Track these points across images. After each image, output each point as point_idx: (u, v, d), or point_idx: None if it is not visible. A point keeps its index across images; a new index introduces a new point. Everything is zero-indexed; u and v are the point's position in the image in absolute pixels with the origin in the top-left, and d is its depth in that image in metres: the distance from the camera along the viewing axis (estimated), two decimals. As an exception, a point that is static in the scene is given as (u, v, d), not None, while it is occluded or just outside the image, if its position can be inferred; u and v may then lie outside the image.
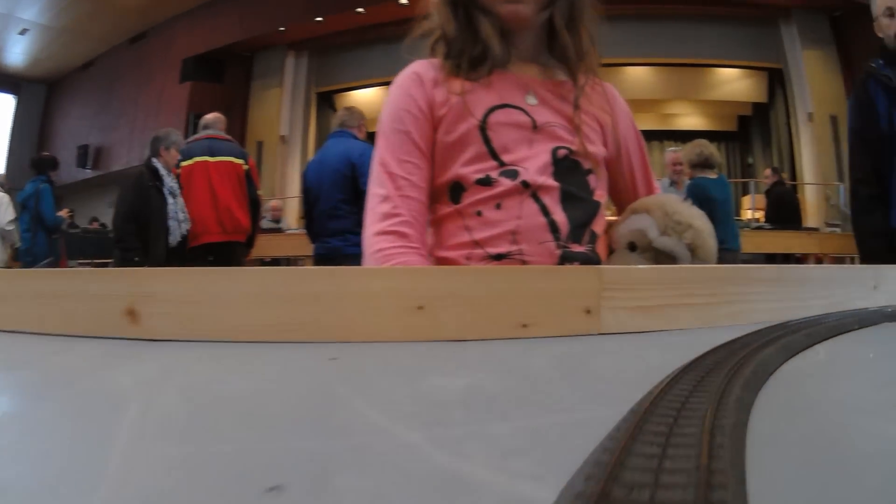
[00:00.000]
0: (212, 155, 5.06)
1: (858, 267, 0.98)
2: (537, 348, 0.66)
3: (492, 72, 1.26)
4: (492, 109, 1.23)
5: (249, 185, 5.23)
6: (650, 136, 13.45)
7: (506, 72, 1.27)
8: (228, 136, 5.36)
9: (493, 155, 1.22)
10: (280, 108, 13.86)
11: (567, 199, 1.23)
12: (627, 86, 12.48)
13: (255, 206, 5.30)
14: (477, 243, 1.21)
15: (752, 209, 9.74)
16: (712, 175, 5.01)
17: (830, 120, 10.70)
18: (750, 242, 6.71)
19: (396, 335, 0.68)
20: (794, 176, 11.30)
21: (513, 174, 1.21)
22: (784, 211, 7.93)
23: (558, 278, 0.73)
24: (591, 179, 1.29)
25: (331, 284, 0.69)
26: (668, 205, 1.23)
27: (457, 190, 1.24)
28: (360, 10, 11.96)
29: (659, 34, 11.99)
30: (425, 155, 1.25)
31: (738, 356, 0.48)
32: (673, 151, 5.60)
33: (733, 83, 13.08)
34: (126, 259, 4.53)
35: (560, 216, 1.22)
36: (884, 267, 0.95)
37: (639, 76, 12.98)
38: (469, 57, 1.25)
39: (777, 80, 12.27)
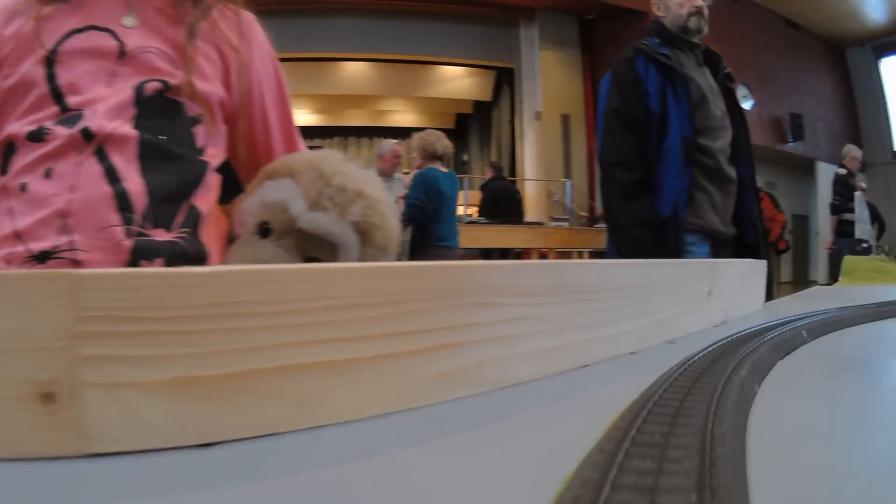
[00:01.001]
0: None
1: (681, 265, 0.67)
2: None
3: None
4: (69, 35, 0.85)
5: None
6: (363, 132, 13.40)
7: None
8: None
9: (57, 97, 0.82)
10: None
11: (150, 157, 0.82)
12: (343, 81, 12.42)
13: None
14: (18, 236, 0.77)
15: (464, 205, 9.79)
16: (443, 168, 4.78)
17: (562, 119, 11.03)
18: (463, 236, 6.59)
19: None
20: (513, 173, 11.54)
21: (73, 120, 0.80)
22: (501, 205, 7.84)
23: None
24: (199, 131, 0.90)
25: None
26: (323, 163, 0.80)
27: (9, 154, 0.83)
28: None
29: (384, 30, 11.75)
30: None
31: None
32: (395, 143, 5.36)
33: (457, 81, 13.23)
34: None
35: (135, 183, 0.80)
36: (717, 262, 0.70)
37: (357, 71, 12.73)
38: None
39: (505, 80, 12.47)
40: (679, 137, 2.29)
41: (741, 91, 14.36)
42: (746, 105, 14.47)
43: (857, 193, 6.98)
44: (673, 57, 2.33)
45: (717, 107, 2.39)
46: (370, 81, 12.99)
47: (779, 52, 16.30)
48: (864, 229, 6.85)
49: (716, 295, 0.59)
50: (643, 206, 2.28)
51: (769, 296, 1.42)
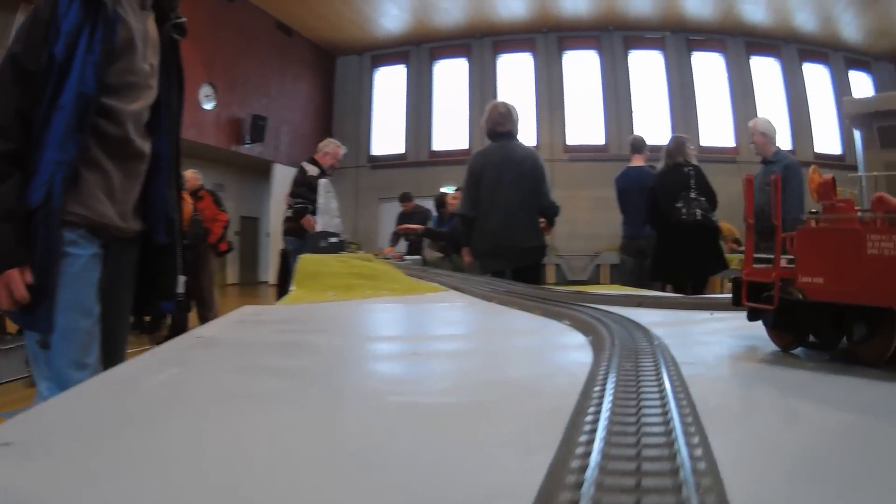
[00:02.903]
0: None
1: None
2: None
3: None
4: None
5: None
6: None
7: None
8: None
9: None
10: None
11: None
12: None
13: None
14: None
15: None
16: None
17: None
18: None
19: None
20: None
21: None
22: None
23: None
24: None
25: None
26: None
27: None
28: None
29: None
30: None
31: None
32: None
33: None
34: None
35: None
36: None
37: None
38: None
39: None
40: (75, 93, 1.74)
41: (205, 91, 14.72)
42: (208, 106, 14.81)
43: (323, 182, 6.43)
44: None
45: (147, 60, 1.94)
46: None
47: (262, 54, 16.79)
48: (330, 222, 6.19)
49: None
50: (7, 191, 1.69)
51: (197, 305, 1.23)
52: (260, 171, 16.86)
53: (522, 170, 4.63)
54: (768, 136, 5.54)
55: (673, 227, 5.38)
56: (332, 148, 6.81)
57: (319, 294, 2.28)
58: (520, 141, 4.86)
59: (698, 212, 5.33)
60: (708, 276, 5.87)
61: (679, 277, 5.63)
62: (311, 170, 6.61)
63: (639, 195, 6.20)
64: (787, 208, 4.79)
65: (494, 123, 4.77)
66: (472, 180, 4.68)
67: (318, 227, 6.12)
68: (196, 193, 8.10)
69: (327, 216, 6.20)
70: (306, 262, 2.87)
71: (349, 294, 2.32)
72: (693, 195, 5.37)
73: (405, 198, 10.00)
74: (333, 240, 5.34)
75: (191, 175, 8.20)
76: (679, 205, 5.35)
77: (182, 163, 2.16)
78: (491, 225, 4.60)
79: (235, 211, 15.84)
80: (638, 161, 6.67)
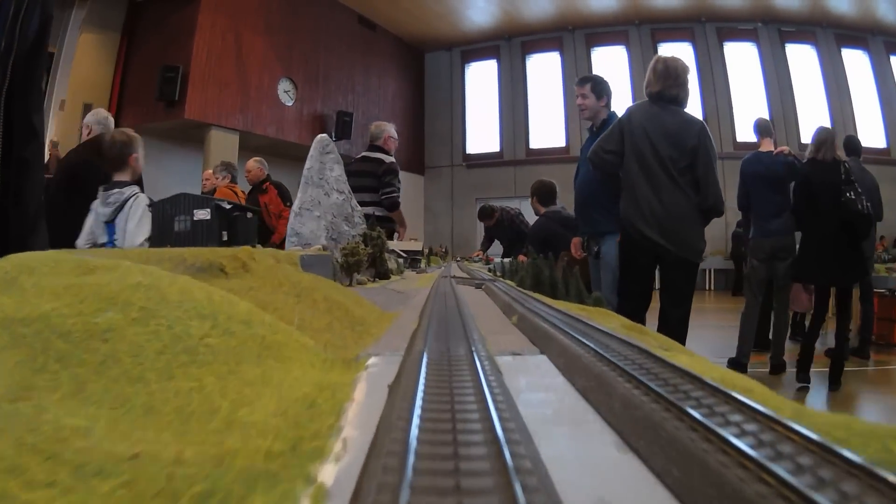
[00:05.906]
0: None
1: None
2: None
3: None
4: None
5: None
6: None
7: None
8: None
9: None
10: None
11: None
12: None
13: None
14: None
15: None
16: None
17: (84, 108, 10.19)
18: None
19: None
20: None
21: None
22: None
23: None
24: None
25: None
26: None
27: None
28: None
29: None
30: None
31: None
32: None
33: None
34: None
35: None
36: None
37: None
38: None
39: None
40: None
41: (283, 86, 14.83)
42: (288, 102, 14.94)
43: (321, 136, 5.46)
44: None
45: None
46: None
47: (343, 50, 16.88)
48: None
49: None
50: None
51: None
52: (345, 168, 16.75)
53: (668, 142, 3.91)
54: None
55: (842, 219, 5.01)
56: (391, 130, 6.39)
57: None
58: (676, 107, 4.13)
59: (868, 205, 5.02)
60: (852, 283, 5.47)
61: (832, 278, 5.24)
62: (388, 158, 6.17)
63: (769, 185, 5.62)
64: None
65: (647, 83, 4.27)
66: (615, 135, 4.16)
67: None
68: (260, 186, 7.41)
69: (319, 190, 4.32)
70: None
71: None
72: (859, 189, 5.08)
73: (485, 214, 8.66)
74: (203, 215, 2.90)
75: (253, 165, 7.54)
76: (851, 196, 5.00)
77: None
78: (641, 196, 3.93)
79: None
80: (767, 146, 5.91)
